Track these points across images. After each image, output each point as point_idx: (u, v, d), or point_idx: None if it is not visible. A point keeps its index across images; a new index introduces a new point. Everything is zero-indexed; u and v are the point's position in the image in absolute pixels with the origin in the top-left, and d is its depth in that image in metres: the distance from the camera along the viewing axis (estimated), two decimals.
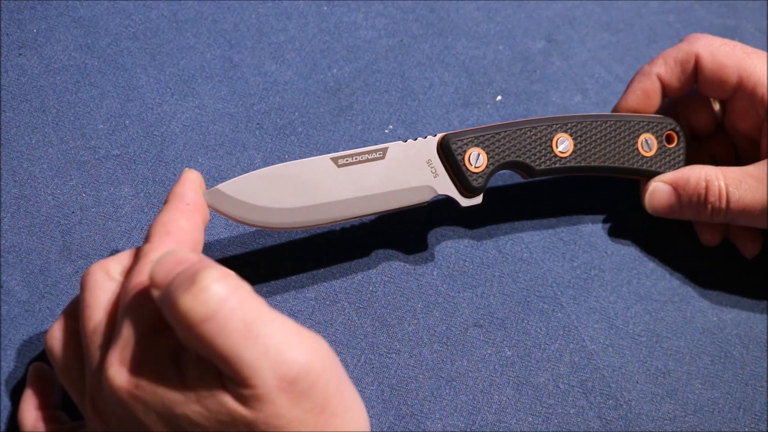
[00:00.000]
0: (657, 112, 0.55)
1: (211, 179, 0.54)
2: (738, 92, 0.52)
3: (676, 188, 0.52)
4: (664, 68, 0.54)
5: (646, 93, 0.54)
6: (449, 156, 0.50)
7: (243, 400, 0.35)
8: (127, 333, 0.37)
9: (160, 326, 0.37)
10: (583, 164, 0.53)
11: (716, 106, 0.55)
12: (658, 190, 0.53)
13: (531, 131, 0.52)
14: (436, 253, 0.54)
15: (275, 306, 0.51)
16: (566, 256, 0.55)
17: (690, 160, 0.55)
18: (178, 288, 0.35)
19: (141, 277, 0.38)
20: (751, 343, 0.53)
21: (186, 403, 0.36)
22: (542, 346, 0.52)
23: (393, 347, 0.51)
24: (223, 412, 0.35)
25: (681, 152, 0.55)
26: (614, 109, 0.56)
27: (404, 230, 0.54)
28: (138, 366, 0.37)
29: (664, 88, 0.54)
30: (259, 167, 0.54)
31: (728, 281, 0.55)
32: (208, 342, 0.34)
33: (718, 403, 0.51)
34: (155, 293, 0.36)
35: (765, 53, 0.52)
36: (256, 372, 0.35)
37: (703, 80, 0.53)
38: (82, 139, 0.55)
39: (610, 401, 0.51)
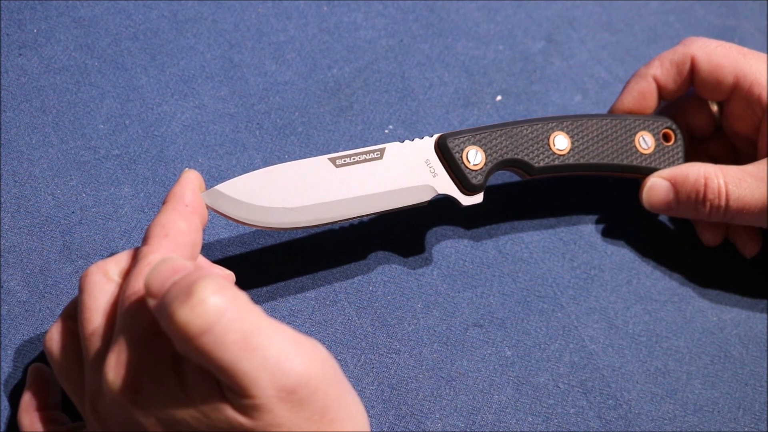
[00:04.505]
0: (654, 115, 0.56)
1: (211, 179, 0.54)
2: (735, 93, 0.52)
3: (674, 184, 0.52)
4: (660, 70, 0.54)
5: (642, 94, 0.54)
6: (447, 155, 0.50)
7: (242, 409, 0.35)
8: (125, 337, 0.37)
9: (158, 330, 0.37)
10: (581, 161, 0.53)
11: (714, 108, 0.55)
12: (656, 186, 0.53)
13: (528, 129, 0.52)
14: (435, 253, 0.54)
15: (275, 306, 0.51)
16: (566, 256, 0.55)
17: (688, 161, 0.55)
18: (174, 300, 0.35)
19: (138, 281, 0.38)
20: (751, 343, 0.53)
21: (185, 410, 0.36)
22: (542, 346, 0.52)
23: (393, 347, 0.51)
24: (222, 420, 0.36)
25: (679, 150, 0.55)
26: (610, 110, 0.56)
27: (404, 230, 0.54)
28: (137, 370, 0.37)
29: (660, 90, 0.54)
30: (259, 167, 0.54)
31: (728, 281, 0.55)
32: (207, 354, 0.34)
33: (718, 403, 0.51)
34: (151, 302, 0.36)
35: (762, 54, 0.52)
36: (255, 382, 0.35)
37: (699, 82, 0.53)
38: (82, 139, 0.55)
39: (610, 401, 0.51)
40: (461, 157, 0.50)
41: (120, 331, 0.38)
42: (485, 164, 0.50)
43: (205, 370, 0.36)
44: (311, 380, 0.36)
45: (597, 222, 0.56)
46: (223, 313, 0.34)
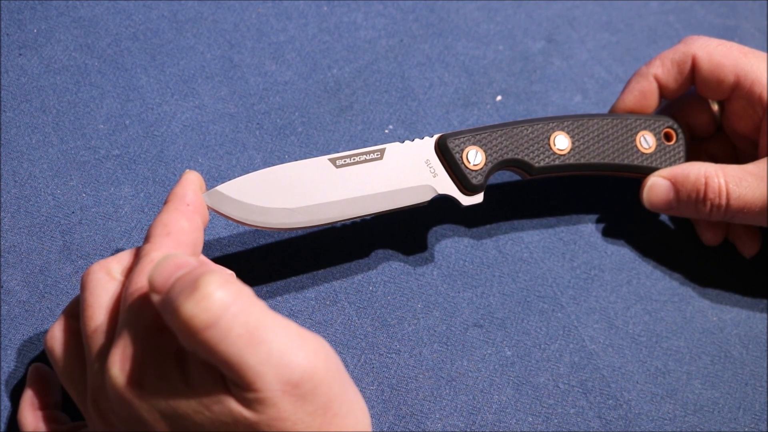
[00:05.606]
0: (655, 114, 0.56)
1: (211, 179, 0.54)
2: (735, 92, 0.52)
3: (675, 183, 0.52)
4: (661, 69, 0.54)
5: (643, 94, 0.54)
6: (447, 155, 0.50)
7: (246, 403, 0.35)
8: (128, 333, 0.37)
9: (162, 326, 0.37)
10: (582, 161, 0.53)
11: (714, 107, 0.55)
12: (657, 185, 0.53)
13: (528, 129, 0.52)
14: (436, 253, 0.54)
15: (276, 306, 0.51)
16: (566, 256, 0.55)
17: (689, 160, 0.55)
18: (179, 294, 0.35)
19: (141, 277, 0.38)
20: (751, 343, 0.53)
21: (189, 405, 0.36)
22: (542, 346, 0.52)
23: (393, 347, 0.51)
24: (227, 413, 0.36)
25: (680, 150, 0.55)
26: (611, 110, 0.56)
27: (404, 230, 0.54)
28: (140, 366, 0.37)
29: (662, 89, 0.54)
30: (259, 167, 0.54)
31: (728, 281, 0.55)
32: (211, 348, 0.34)
33: (718, 403, 0.51)
34: (155, 298, 0.36)
35: (763, 53, 0.52)
36: (260, 376, 0.35)
37: (700, 81, 0.53)
38: (82, 139, 0.55)
39: (610, 401, 0.51)
40: (461, 157, 0.50)
41: (123, 326, 0.38)
42: (485, 164, 0.50)
43: (209, 365, 0.36)
44: (315, 375, 0.36)
45: (597, 222, 0.56)
46: (228, 307, 0.35)
